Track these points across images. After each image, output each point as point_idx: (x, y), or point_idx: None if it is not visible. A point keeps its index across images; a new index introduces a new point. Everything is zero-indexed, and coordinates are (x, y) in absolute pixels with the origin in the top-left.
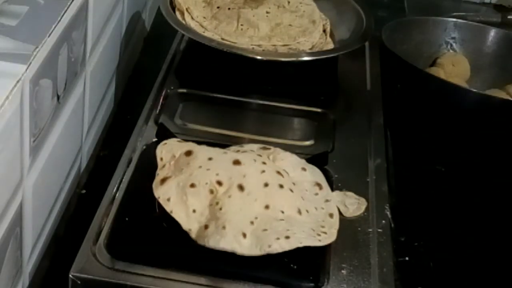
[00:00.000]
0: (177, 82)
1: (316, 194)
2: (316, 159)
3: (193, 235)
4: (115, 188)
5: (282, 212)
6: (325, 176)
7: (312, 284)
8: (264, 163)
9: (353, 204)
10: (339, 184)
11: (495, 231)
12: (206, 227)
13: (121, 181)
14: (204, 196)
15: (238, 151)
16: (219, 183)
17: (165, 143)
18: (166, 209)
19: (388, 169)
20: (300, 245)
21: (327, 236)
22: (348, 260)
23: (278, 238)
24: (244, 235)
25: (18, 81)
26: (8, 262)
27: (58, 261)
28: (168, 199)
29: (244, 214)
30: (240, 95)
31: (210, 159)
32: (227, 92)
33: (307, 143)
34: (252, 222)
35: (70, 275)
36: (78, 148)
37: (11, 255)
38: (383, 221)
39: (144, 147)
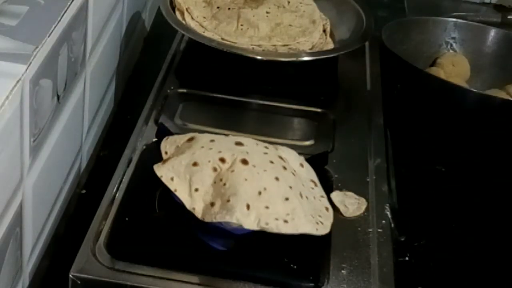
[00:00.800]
0: (177, 82)
1: (312, 188)
2: (316, 159)
3: (198, 214)
4: (115, 188)
5: (290, 187)
6: (325, 176)
7: (312, 284)
8: (266, 147)
9: (353, 204)
10: (339, 184)
11: (495, 231)
12: (212, 204)
13: (121, 181)
14: (207, 174)
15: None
16: (222, 160)
17: (168, 138)
18: (170, 188)
19: (388, 169)
20: (296, 232)
21: (323, 226)
22: (348, 260)
23: (277, 219)
24: (248, 207)
25: (18, 81)
26: (8, 262)
27: (58, 261)
28: (172, 178)
29: (250, 184)
30: (240, 95)
31: (212, 140)
32: (227, 92)
33: (307, 143)
34: (260, 193)
35: (70, 275)
36: (78, 148)
37: (11, 255)
38: (383, 221)
39: (144, 147)
